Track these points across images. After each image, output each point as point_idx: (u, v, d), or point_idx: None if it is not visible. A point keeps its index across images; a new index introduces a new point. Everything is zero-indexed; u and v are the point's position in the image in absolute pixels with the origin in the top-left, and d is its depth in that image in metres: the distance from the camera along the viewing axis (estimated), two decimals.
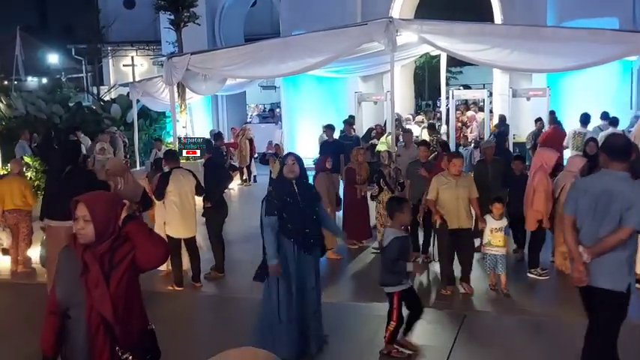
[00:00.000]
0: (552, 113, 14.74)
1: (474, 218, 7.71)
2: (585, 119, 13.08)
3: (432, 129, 15.51)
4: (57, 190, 6.78)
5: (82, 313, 3.25)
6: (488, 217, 7.50)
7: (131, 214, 3.41)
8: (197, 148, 16.38)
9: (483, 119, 16.12)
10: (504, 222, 7.55)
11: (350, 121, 14.58)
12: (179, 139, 16.63)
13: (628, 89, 16.13)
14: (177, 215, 7.79)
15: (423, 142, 10.10)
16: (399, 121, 15.89)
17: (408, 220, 6.02)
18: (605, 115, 13.21)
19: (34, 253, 9.09)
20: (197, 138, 17.15)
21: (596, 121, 13.24)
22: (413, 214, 8.16)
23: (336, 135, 13.69)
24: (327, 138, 12.93)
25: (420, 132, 15.97)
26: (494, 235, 7.45)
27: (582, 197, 4.47)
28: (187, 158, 15.27)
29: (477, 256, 7.80)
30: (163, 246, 3.47)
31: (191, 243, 8.05)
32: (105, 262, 3.27)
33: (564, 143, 13.00)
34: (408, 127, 17.10)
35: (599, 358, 4.56)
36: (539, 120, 14.56)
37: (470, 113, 17.09)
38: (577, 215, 4.50)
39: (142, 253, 3.30)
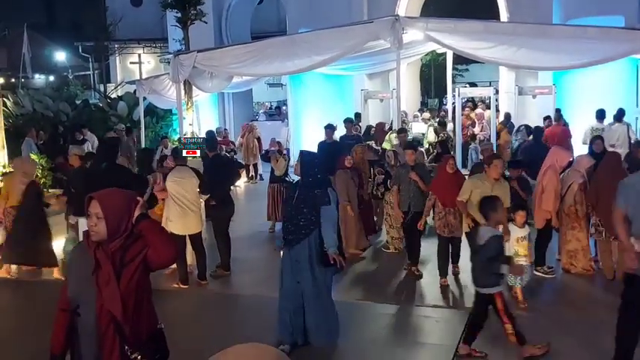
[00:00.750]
0: (558, 111, 14.72)
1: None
2: (601, 115, 13.18)
3: (443, 126, 15.39)
4: (92, 186, 6.79)
5: (91, 311, 3.26)
6: (511, 226, 7.13)
7: (144, 212, 3.42)
8: (197, 148, 16.42)
9: (489, 117, 16.09)
10: (527, 229, 7.28)
11: (350, 120, 14.19)
12: (179, 139, 16.69)
13: (634, 87, 16.07)
14: (178, 212, 7.84)
15: (409, 145, 9.60)
16: (403, 120, 15.82)
17: (503, 218, 5.98)
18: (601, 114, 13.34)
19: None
20: (197, 138, 17.20)
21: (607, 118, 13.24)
22: (407, 220, 8.21)
23: (341, 133, 13.68)
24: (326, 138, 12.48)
25: (426, 130, 15.94)
26: (521, 244, 7.11)
27: (631, 192, 4.94)
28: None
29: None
30: (173, 246, 3.50)
31: (196, 240, 8.09)
32: (116, 260, 3.27)
33: (582, 139, 13.09)
34: (414, 124, 17.13)
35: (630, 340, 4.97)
36: (547, 118, 14.49)
37: (478, 111, 17.04)
38: (628, 209, 4.91)
39: (154, 252, 3.31)
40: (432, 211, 8.01)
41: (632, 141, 12.04)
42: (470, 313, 5.91)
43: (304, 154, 5.97)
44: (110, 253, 3.28)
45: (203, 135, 17.67)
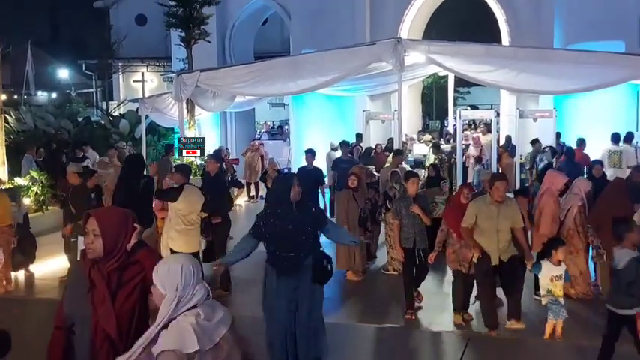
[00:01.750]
0: (558, 135, 14.76)
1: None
2: (616, 138, 13.34)
3: (437, 148, 15.39)
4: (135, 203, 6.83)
5: (86, 329, 3.25)
6: (546, 263, 6.67)
7: (141, 240, 3.40)
8: (197, 148, 16.59)
9: (490, 141, 16.10)
10: (563, 267, 6.78)
11: (346, 143, 13.82)
12: (179, 139, 16.79)
13: (634, 112, 16.14)
14: (182, 230, 7.83)
15: (411, 174, 8.12)
16: (404, 142, 15.82)
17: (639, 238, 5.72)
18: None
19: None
20: (197, 138, 17.32)
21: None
22: (408, 259, 7.42)
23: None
24: (306, 163, 11.71)
25: (428, 152, 15.94)
26: (555, 283, 6.60)
27: None
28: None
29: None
30: None
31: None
32: (113, 280, 3.27)
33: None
34: (415, 146, 17.13)
35: None
36: (536, 141, 14.45)
37: (475, 135, 17.05)
38: None
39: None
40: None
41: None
42: (602, 335, 5.62)
43: (304, 173, 5.93)
44: (106, 272, 3.27)
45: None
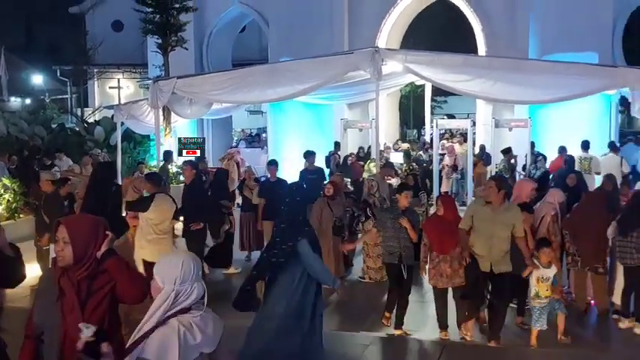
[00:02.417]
0: (533, 144, 14.94)
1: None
2: (586, 145, 13.97)
3: (408, 157, 15.29)
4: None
5: (55, 338, 3.22)
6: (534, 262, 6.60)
7: (112, 248, 3.35)
8: (197, 148, 16.69)
9: (465, 150, 16.22)
10: (554, 270, 6.65)
11: (312, 153, 12.49)
12: (179, 139, 16.83)
13: (607, 122, 16.42)
14: (152, 239, 7.73)
15: (405, 187, 7.76)
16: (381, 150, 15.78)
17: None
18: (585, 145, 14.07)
19: None
20: (197, 138, 17.35)
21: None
22: (392, 275, 7.20)
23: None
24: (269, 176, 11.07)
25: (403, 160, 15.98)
26: (541, 285, 6.55)
27: None
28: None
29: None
30: (142, 284, 3.43)
31: None
32: (82, 289, 3.24)
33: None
34: (392, 154, 17.16)
35: None
36: (508, 151, 14.61)
37: (448, 144, 17.17)
38: None
39: (121, 290, 3.30)
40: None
41: (622, 173, 12.64)
42: None
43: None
44: (76, 281, 3.24)
45: (180, 161, 17.64)
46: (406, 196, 7.27)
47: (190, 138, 17.26)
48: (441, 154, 16.25)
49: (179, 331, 2.78)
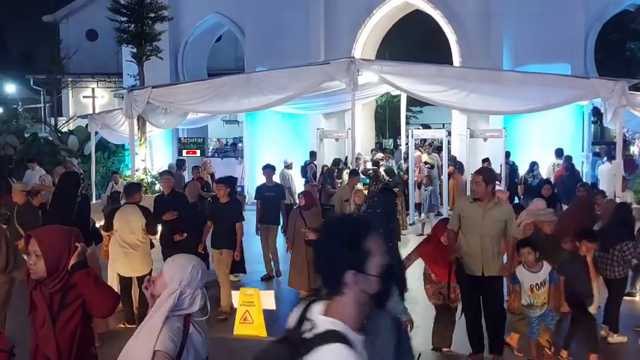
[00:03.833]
0: (508, 154, 15.10)
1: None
2: (560, 152, 14.71)
3: (376, 165, 15.24)
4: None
5: (26, 352, 3.20)
6: (522, 271, 5.96)
7: (81, 261, 3.30)
8: (197, 148, 16.72)
9: (435, 160, 16.31)
10: (544, 274, 5.97)
11: (271, 167, 11.14)
12: (179, 139, 16.84)
13: (580, 132, 16.69)
14: (120, 253, 7.61)
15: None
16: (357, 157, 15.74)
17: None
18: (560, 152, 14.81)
19: None
20: (197, 138, 17.33)
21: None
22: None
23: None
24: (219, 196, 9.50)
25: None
26: (537, 293, 5.92)
27: None
28: (184, 161, 15.70)
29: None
30: (112, 297, 3.41)
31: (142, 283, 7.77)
32: (55, 302, 3.21)
33: (546, 174, 14.61)
34: (368, 164, 17.17)
35: None
36: (486, 160, 14.76)
37: (416, 154, 17.22)
38: None
39: (90, 304, 3.27)
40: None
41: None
42: None
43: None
44: (48, 294, 3.21)
45: (155, 172, 17.49)
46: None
47: (190, 138, 17.49)
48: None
49: (180, 325, 2.87)
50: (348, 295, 1.96)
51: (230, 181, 9.09)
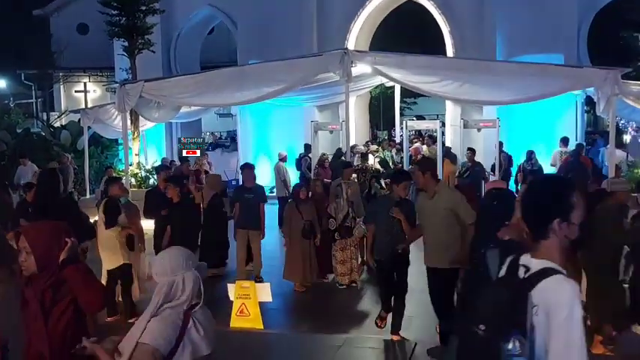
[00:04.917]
0: (501, 144, 15.12)
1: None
2: (565, 140, 14.93)
3: (364, 157, 15.16)
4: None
5: (19, 347, 3.22)
6: None
7: (70, 256, 3.29)
8: (197, 148, 16.79)
9: (434, 151, 16.30)
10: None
11: (250, 166, 10.17)
12: (179, 139, 16.91)
13: (573, 122, 16.73)
14: (103, 247, 7.73)
15: (404, 175, 6.89)
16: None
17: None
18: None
19: None
20: (197, 138, 17.40)
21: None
22: (382, 271, 6.63)
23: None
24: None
25: (373, 161, 15.97)
26: None
27: None
28: (186, 159, 15.80)
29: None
30: (99, 292, 3.41)
31: (122, 274, 7.71)
32: (47, 298, 3.21)
33: (551, 162, 14.93)
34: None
35: None
36: (470, 150, 14.65)
37: (416, 145, 17.23)
38: None
39: (78, 299, 3.27)
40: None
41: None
42: None
43: None
44: (40, 290, 3.22)
45: (149, 166, 17.44)
46: (403, 187, 6.40)
47: (190, 138, 17.59)
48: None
49: (176, 319, 2.85)
50: (553, 240, 2.37)
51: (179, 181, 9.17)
